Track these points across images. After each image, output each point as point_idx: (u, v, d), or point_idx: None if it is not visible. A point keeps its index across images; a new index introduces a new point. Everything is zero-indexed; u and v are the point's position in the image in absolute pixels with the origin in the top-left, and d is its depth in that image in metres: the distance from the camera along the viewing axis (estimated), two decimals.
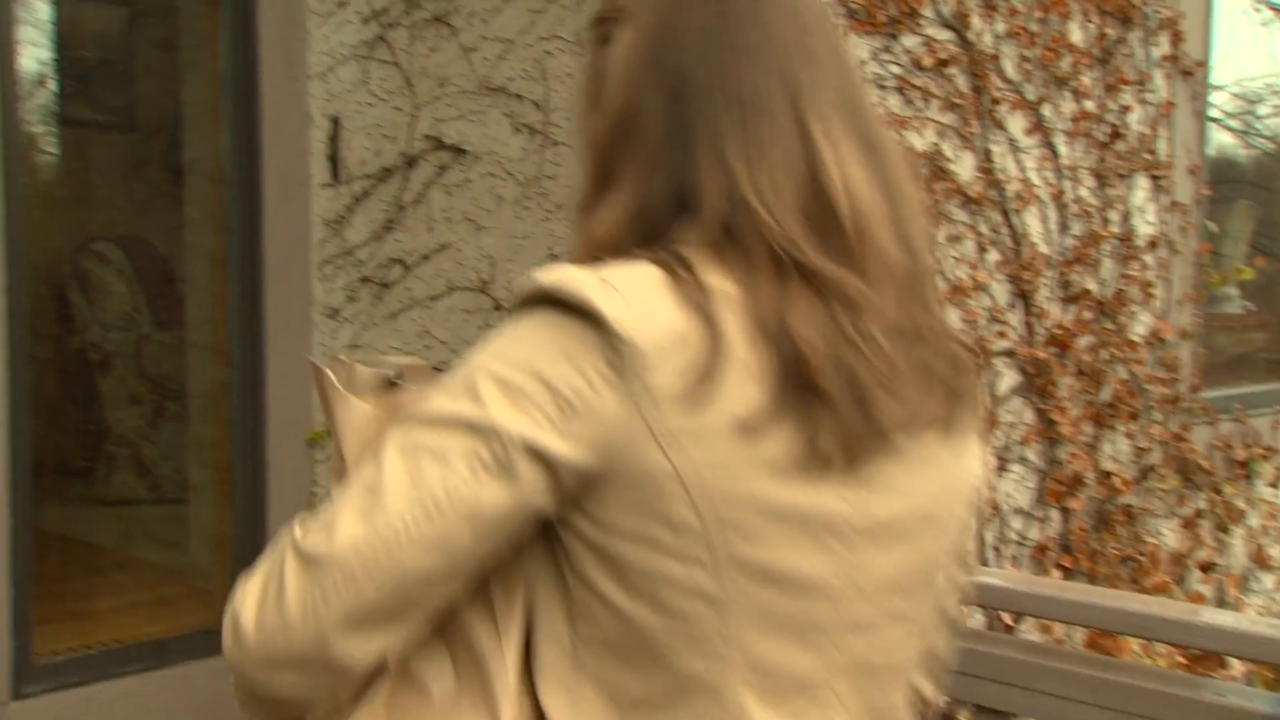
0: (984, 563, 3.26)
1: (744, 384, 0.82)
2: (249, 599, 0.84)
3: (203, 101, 3.92)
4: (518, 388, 0.82)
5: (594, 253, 0.89)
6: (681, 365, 0.81)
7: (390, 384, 0.93)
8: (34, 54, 4.73)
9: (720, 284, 0.84)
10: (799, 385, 0.83)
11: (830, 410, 0.83)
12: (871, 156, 0.90)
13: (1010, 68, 3.37)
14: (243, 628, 0.84)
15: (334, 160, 3.35)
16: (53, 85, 5.11)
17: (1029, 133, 3.42)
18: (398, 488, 0.81)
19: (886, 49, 3.09)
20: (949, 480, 0.93)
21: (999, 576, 2.76)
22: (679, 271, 0.84)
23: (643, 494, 0.82)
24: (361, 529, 0.81)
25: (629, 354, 0.81)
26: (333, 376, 0.92)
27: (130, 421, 4.77)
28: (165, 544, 4.00)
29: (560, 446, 0.81)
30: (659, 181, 0.89)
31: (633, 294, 0.83)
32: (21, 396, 2.69)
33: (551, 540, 0.86)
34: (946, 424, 0.91)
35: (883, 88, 3.09)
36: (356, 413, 0.91)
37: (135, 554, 4.10)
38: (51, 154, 5.23)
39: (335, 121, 3.36)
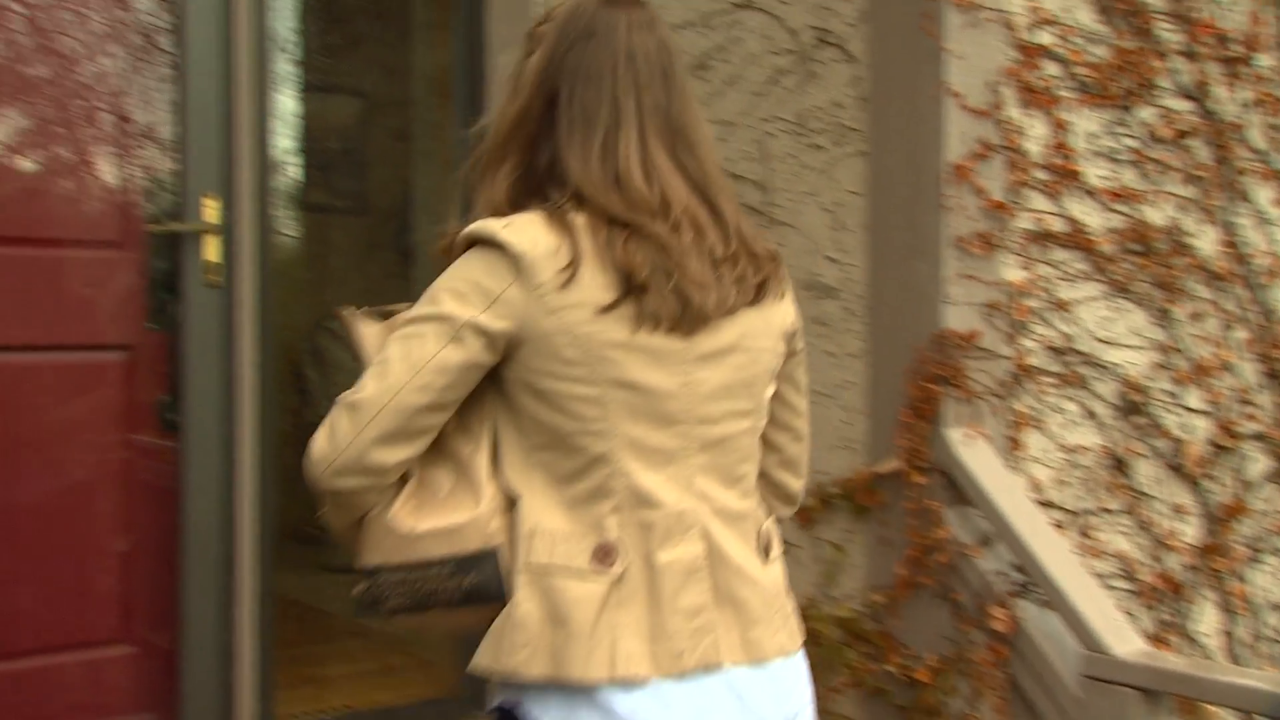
0: (1236, 660, 3.04)
1: (596, 282, 1.33)
2: (319, 438, 1.35)
3: (432, 187, 4.10)
4: (462, 293, 1.35)
5: (494, 207, 1.41)
6: (557, 267, 1.33)
7: (385, 316, 1.47)
8: (281, 144, 5.06)
9: (580, 222, 1.35)
10: (632, 286, 1.33)
11: (655, 300, 1.33)
12: (685, 153, 1.40)
13: (1257, 136, 3.21)
14: (315, 453, 1.34)
15: None
16: (296, 172, 5.45)
17: (1278, 204, 3.24)
18: (397, 359, 1.34)
19: (1120, 122, 2.99)
20: (755, 327, 1.43)
21: (1255, 678, 2.57)
22: (553, 214, 1.36)
23: (545, 345, 1.33)
24: (378, 385, 1.34)
25: (524, 264, 1.33)
26: (354, 315, 1.48)
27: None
28: None
29: (491, 322, 1.34)
30: (541, 158, 1.42)
31: (524, 229, 1.34)
32: (269, 468, 2.83)
33: (501, 389, 1.39)
34: (754, 302, 1.42)
35: (1116, 162, 2.99)
36: (370, 330, 1.45)
37: (364, 622, 4.23)
38: (293, 236, 5.56)
39: None
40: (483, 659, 1.34)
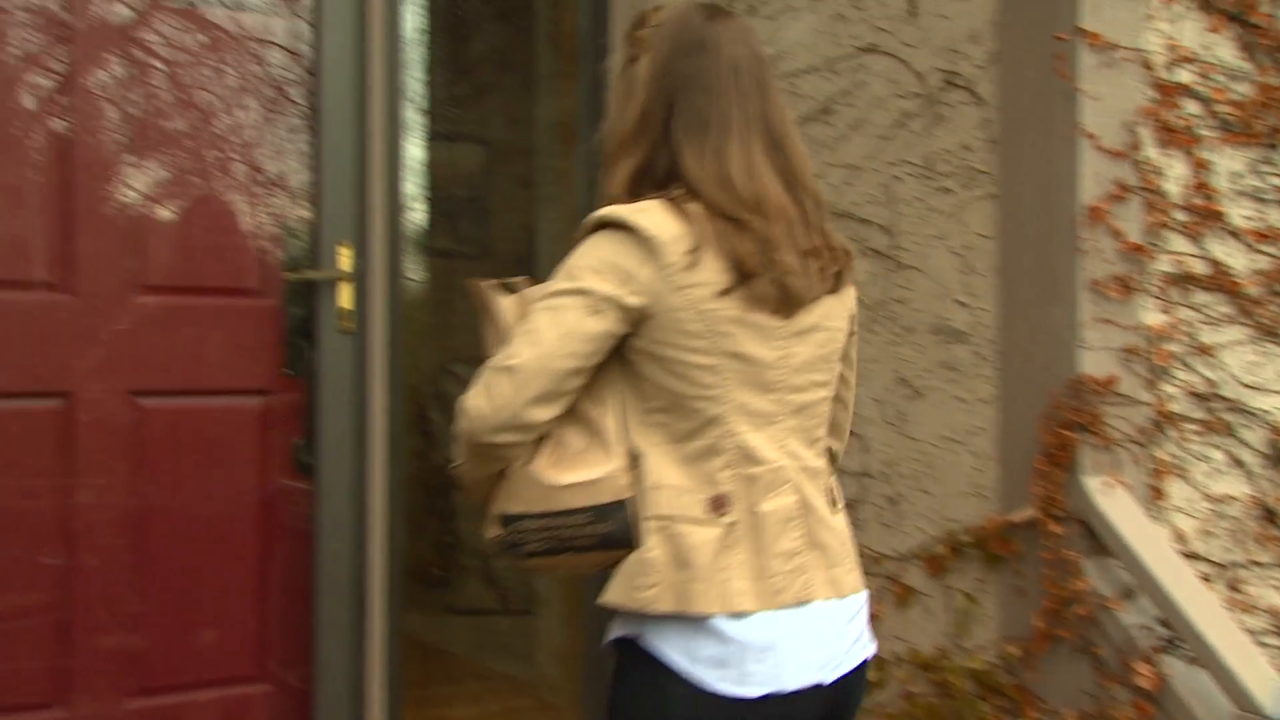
0: None
1: (714, 266, 1.50)
2: (476, 398, 1.51)
3: (556, 234, 4.14)
4: (599, 270, 1.49)
5: (613, 200, 1.55)
6: (682, 249, 1.49)
7: (511, 290, 1.62)
8: (408, 191, 5.17)
9: (696, 211, 1.51)
10: (743, 273, 1.50)
11: (761, 286, 1.51)
12: (779, 155, 1.58)
13: None
14: (474, 412, 1.51)
15: None
16: (422, 219, 5.57)
17: None
18: (545, 328, 1.49)
19: (1266, 160, 2.89)
20: (833, 310, 1.63)
21: None
22: (672, 203, 1.52)
23: (671, 319, 1.50)
24: (532, 351, 1.50)
25: (654, 246, 1.48)
26: (489, 286, 1.63)
27: (480, 535, 5.00)
28: (515, 656, 4.13)
29: (627, 298, 1.49)
30: (660, 157, 1.57)
31: (652, 215, 1.50)
32: (398, 510, 2.87)
33: (625, 358, 1.55)
34: (834, 290, 1.62)
35: (1262, 201, 2.88)
36: (505, 303, 1.61)
37: (487, 663, 4.26)
38: (419, 281, 5.67)
39: None
40: (614, 595, 1.52)
